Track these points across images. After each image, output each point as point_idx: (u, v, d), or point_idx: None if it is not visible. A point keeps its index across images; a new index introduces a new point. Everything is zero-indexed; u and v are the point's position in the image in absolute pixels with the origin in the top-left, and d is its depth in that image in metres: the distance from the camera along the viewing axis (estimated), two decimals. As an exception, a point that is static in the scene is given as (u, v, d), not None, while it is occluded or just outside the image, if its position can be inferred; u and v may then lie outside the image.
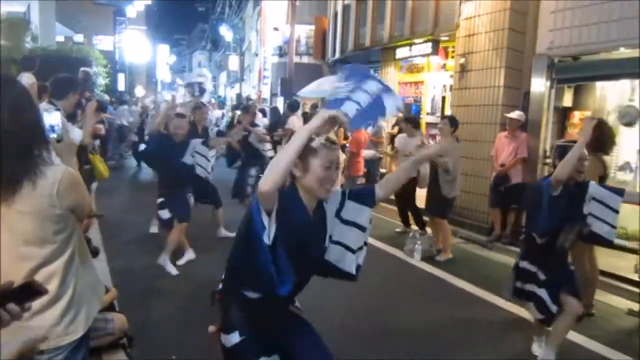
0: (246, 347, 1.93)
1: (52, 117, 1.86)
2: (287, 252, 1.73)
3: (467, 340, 3.79)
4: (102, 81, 14.18)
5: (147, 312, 4.00)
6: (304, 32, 18.69)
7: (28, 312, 1.14)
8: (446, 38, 9.02)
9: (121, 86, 22.82)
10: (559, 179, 3.06)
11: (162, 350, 3.41)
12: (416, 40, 9.81)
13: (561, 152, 3.20)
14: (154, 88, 40.74)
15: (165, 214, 4.91)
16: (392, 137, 9.24)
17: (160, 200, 4.94)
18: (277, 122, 11.54)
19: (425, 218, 6.44)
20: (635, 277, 4.94)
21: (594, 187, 3.25)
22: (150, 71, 40.71)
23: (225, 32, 35.29)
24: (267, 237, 1.69)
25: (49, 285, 1.65)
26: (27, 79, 6.22)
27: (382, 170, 9.82)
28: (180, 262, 5.01)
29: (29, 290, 1.15)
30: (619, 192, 3.27)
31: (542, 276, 3.25)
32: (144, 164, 10.88)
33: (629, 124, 5.93)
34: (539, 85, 6.23)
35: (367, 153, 8.54)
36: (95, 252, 3.04)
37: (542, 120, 6.23)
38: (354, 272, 2.10)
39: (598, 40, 5.50)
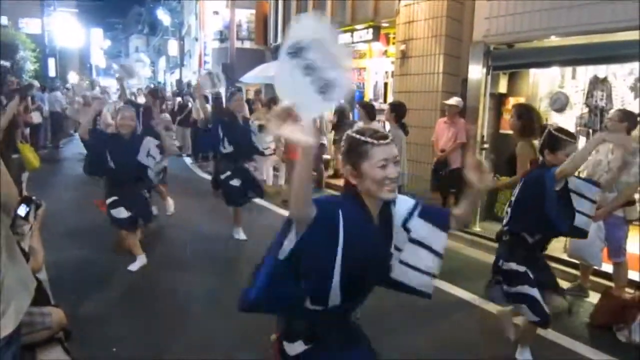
0: (309, 356, 1.80)
1: None
2: (345, 268, 1.59)
3: (402, 323, 3.86)
4: (30, 66, 13.37)
5: (84, 306, 3.87)
6: (245, 16, 18.30)
7: None
8: (387, 24, 9.07)
9: (52, 72, 21.53)
10: (567, 173, 2.88)
11: (100, 344, 3.31)
12: (357, 27, 9.83)
13: (553, 142, 3.05)
14: (88, 74, 38.73)
15: (120, 212, 4.48)
16: (333, 126, 9.25)
17: (112, 199, 4.51)
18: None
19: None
20: (565, 256, 5.20)
21: (571, 179, 3.07)
22: (83, 56, 38.64)
23: (163, 15, 33.98)
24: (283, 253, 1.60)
25: None
26: None
27: (326, 157, 9.82)
28: (133, 267, 4.64)
29: None
30: (595, 182, 3.19)
31: (531, 275, 3.05)
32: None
33: (560, 109, 6.21)
34: (476, 72, 6.38)
35: None
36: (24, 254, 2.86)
37: (480, 106, 6.40)
38: (429, 291, 1.91)
39: (531, 29, 5.70)
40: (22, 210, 2.68)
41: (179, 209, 6.79)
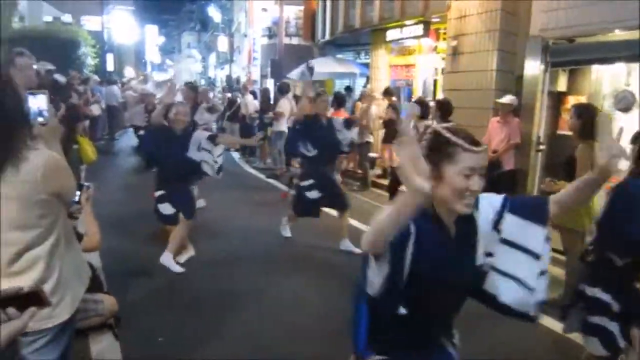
0: None
1: (38, 101, 1.82)
2: (417, 290, 1.43)
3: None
4: (91, 61, 13.96)
5: (134, 294, 3.98)
6: (293, 12, 18.34)
7: (31, 319, 1.13)
8: (437, 20, 8.82)
9: (110, 66, 22.42)
10: None
11: (148, 332, 3.38)
12: (407, 22, 9.61)
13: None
14: (143, 69, 40.14)
15: (166, 208, 4.48)
16: (385, 123, 9.08)
17: (159, 193, 4.49)
18: (268, 104, 11.36)
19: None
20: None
21: None
22: (139, 52, 40.05)
23: (214, 12, 34.74)
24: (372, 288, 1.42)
25: (34, 268, 1.69)
26: (24, 61, 6.02)
27: (373, 155, 9.69)
28: (181, 259, 4.68)
29: (35, 298, 1.14)
30: None
31: (616, 307, 2.49)
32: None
33: (625, 109, 5.80)
34: (532, 68, 6.09)
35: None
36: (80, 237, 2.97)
37: (536, 104, 6.10)
38: (531, 311, 1.60)
39: (594, 22, 5.36)
40: (75, 197, 2.83)
41: (226, 202, 6.87)
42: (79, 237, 2.84)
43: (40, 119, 1.81)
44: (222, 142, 4.77)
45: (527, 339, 3.66)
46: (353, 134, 5.37)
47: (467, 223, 1.57)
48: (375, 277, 1.39)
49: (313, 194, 5.12)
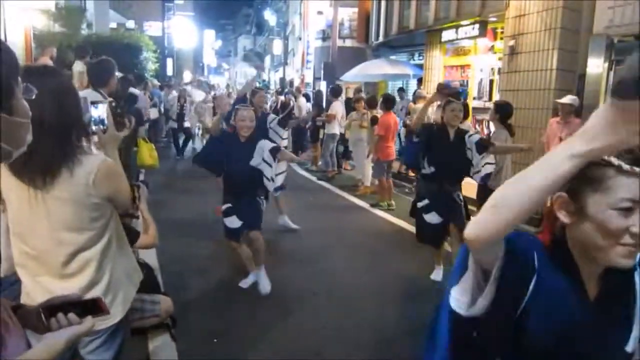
0: None
1: (98, 110, 1.88)
2: None
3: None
4: (151, 66, 14.52)
5: (190, 295, 4.08)
6: (347, 15, 18.39)
7: (89, 328, 1.15)
8: (494, 19, 8.61)
9: (169, 71, 23.32)
10: None
11: (204, 333, 3.47)
12: (463, 22, 9.43)
13: None
14: (200, 72, 41.48)
15: (233, 222, 4.10)
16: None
17: (226, 206, 4.14)
18: (320, 107, 11.48)
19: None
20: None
21: None
22: (197, 56, 41.42)
23: (270, 16, 35.35)
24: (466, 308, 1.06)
25: (86, 270, 1.73)
26: (79, 67, 6.42)
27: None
28: (244, 284, 4.29)
29: (93, 306, 1.18)
30: None
31: None
32: (187, 154, 10.99)
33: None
34: (595, 67, 5.85)
35: None
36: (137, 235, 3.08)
37: (599, 104, 5.84)
38: None
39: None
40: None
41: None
42: (137, 235, 2.96)
43: (100, 127, 1.87)
44: (282, 158, 4.26)
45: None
46: (488, 160, 4.42)
47: (621, 284, 1.09)
48: (464, 293, 1.07)
49: (432, 217, 4.33)
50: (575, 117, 5.85)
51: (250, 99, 5.84)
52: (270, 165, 3.94)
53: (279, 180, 4.23)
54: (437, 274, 4.59)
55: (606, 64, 5.76)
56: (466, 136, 4.24)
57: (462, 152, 4.17)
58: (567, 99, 5.83)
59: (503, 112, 5.34)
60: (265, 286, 4.17)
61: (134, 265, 2.04)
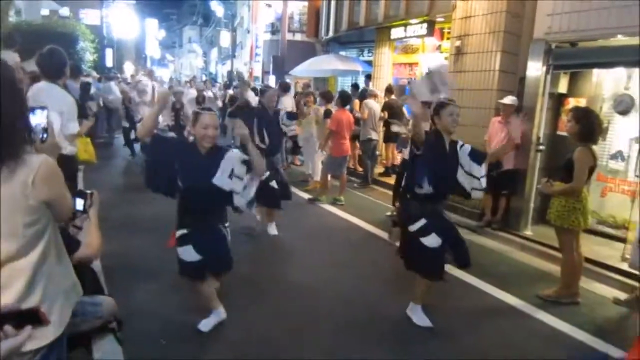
0: None
1: (36, 117, 1.73)
2: None
3: (450, 326, 3.79)
4: (89, 57, 13.87)
5: (135, 296, 3.96)
6: (297, 8, 18.37)
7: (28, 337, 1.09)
8: (442, 19, 8.88)
9: (109, 62, 22.35)
10: None
11: (150, 334, 3.39)
12: (411, 21, 9.67)
13: None
14: (143, 64, 40.06)
15: (188, 253, 3.23)
16: (385, 122, 9.16)
17: (181, 232, 3.28)
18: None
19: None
20: (621, 265, 4.97)
21: None
22: (139, 47, 39.92)
23: (217, 7, 34.65)
24: None
25: (14, 284, 1.55)
26: (11, 57, 6.01)
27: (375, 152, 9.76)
28: (204, 326, 3.47)
29: (33, 317, 1.12)
30: None
31: None
32: (140, 156, 9.82)
33: (624, 112, 5.90)
34: (535, 70, 6.15)
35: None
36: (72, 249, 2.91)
37: (537, 106, 6.17)
38: None
39: (596, 27, 5.41)
40: (79, 205, 2.76)
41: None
42: (77, 245, 2.82)
43: (38, 136, 1.71)
44: (258, 167, 3.30)
45: (523, 333, 3.75)
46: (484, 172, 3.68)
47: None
48: None
49: (431, 241, 3.55)
50: (516, 116, 6.15)
51: (260, 99, 5.84)
52: (242, 179, 3.20)
53: (251, 192, 3.30)
54: (420, 317, 3.77)
55: (544, 68, 6.07)
56: (458, 146, 3.66)
57: (456, 165, 3.61)
58: (508, 99, 6.12)
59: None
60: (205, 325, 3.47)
61: (73, 281, 1.87)
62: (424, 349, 3.46)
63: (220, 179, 3.13)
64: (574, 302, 4.31)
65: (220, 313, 3.51)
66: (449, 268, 3.94)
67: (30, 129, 1.62)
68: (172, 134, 6.15)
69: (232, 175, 3.15)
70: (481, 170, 3.61)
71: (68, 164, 3.85)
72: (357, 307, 4.04)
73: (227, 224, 3.43)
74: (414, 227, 3.58)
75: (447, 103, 3.58)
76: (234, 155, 3.19)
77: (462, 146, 3.66)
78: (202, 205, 3.24)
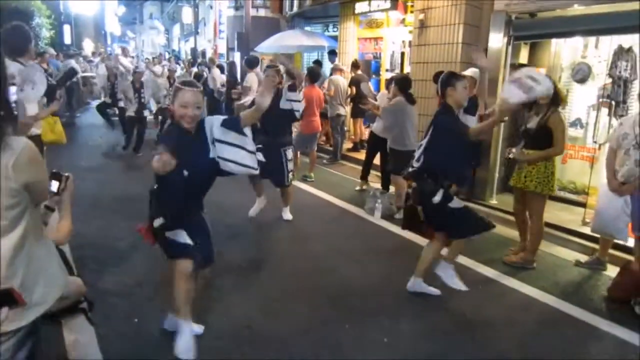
0: None
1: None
2: None
3: (417, 296, 3.90)
4: (46, 33, 13.33)
5: (106, 277, 3.94)
6: (261, -17, 17.95)
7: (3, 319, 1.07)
8: (405, -8, 8.86)
9: (67, 39, 21.53)
10: None
11: (123, 315, 3.39)
12: (375, -6, 9.60)
13: None
14: (103, 41, 38.66)
15: (181, 236, 2.89)
16: (352, 98, 9.17)
17: (159, 222, 2.86)
18: (235, 78, 11.23)
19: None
20: (582, 229, 5.19)
21: None
22: (98, 23, 38.45)
23: (177, -19, 33.52)
24: None
25: None
26: None
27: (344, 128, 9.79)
28: (180, 342, 2.90)
29: (8, 298, 1.10)
30: None
31: None
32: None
33: (582, 80, 6.07)
34: (496, 42, 6.24)
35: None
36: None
37: (499, 77, 6.27)
38: None
39: (555, -3, 5.53)
40: (54, 187, 2.74)
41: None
42: (44, 225, 2.78)
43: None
44: (247, 123, 2.90)
45: (490, 298, 3.89)
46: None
47: None
48: None
49: (457, 203, 3.68)
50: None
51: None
52: (237, 145, 2.86)
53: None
54: (452, 277, 3.84)
55: (505, 39, 6.17)
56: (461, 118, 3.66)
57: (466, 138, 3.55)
58: (469, 71, 6.19)
59: (401, 84, 5.79)
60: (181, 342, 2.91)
61: (57, 262, 1.89)
62: (392, 320, 3.57)
63: (215, 152, 2.83)
64: (533, 267, 4.50)
65: (191, 327, 2.98)
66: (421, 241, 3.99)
67: (10, 107, 1.62)
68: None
69: (215, 141, 2.83)
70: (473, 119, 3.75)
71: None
72: (331, 280, 4.12)
73: (205, 210, 3.10)
74: (437, 198, 3.55)
75: (461, 75, 3.55)
76: (209, 120, 2.87)
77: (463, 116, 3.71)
78: (195, 190, 2.90)
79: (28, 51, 3.77)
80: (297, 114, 5.33)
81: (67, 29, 21.75)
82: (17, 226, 1.62)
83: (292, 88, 5.25)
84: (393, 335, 3.29)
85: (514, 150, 4.66)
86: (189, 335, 2.90)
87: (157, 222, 2.85)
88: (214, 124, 2.85)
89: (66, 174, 2.49)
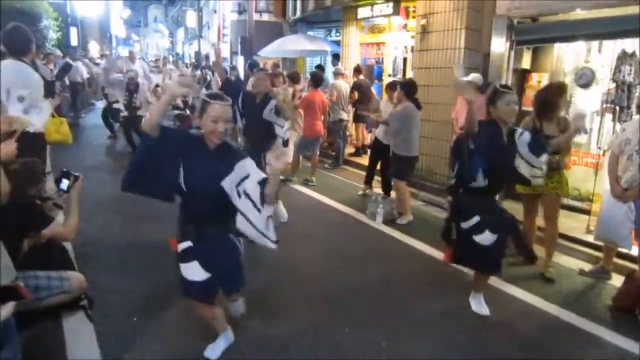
0: None
1: None
2: None
3: (418, 295, 3.91)
4: (53, 35, 13.41)
5: (106, 275, 3.94)
6: (264, -12, 18.05)
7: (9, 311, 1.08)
8: (408, -3, 8.87)
9: (74, 41, 21.64)
10: None
11: (121, 312, 3.40)
12: (378, 0, 9.62)
13: None
14: (109, 44, 38.87)
15: (193, 271, 2.67)
16: (354, 102, 9.17)
17: (185, 245, 2.69)
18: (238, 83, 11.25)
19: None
20: (586, 237, 5.12)
21: None
22: (103, 26, 38.68)
23: (182, -15, 33.71)
24: None
25: None
26: None
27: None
28: (212, 353, 2.92)
29: (13, 292, 1.12)
30: None
31: None
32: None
33: (585, 85, 6.05)
34: (498, 46, 6.25)
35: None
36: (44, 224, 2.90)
37: (502, 82, 6.27)
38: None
39: (556, 1, 5.52)
40: (64, 185, 2.81)
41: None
42: (48, 220, 2.81)
43: None
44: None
45: (493, 307, 3.85)
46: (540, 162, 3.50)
47: None
48: None
49: (485, 238, 3.40)
50: (480, 94, 6.24)
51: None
52: (255, 206, 2.56)
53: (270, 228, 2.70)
54: (479, 304, 3.71)
55: (508, 44, 6.17)
56: (516, 136, 3.43)
57: (514, 155, 3.43)
58: (470, 76, 6.19)
59: (407, 89, 5.77)
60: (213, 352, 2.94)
61: (5, 264, 1.79)
62: (392, 325, 3.55)
63: (230, 185, 2.55)
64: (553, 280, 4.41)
65: (228, 335, 3.02)
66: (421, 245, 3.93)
67: None
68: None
69: (241, 186, 2.55)
70: (539, 160, 3.46)
71: (33, 142, 3.89)
72: (331, 283, 4.10)
73: (234, 233, 2.77)
74: (466, 225, 3.42)
75: (504, 91, 3.33)
76: (249, 165, 2.62)
77: (521, 134, 3.45)
78: (209, 211, 2.65)
79: (30, 51, 3.88)
80: (280, 140, 5.10)
81: (73, 31, 21.85)
82: None
83: (277, 113, 4.96)
84: (392, 338, 3.27)
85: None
86: (223, 342, 2.97)
87: (180, 246, 2.71)
88: (252, 174, 2.58)
89: (75, 174, 2.52)
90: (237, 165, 2.57)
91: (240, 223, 2.56)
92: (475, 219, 3.39)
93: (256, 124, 4.86)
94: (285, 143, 6.02)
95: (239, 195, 2.54)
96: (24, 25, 4.09)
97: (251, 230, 2.57)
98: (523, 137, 3.43)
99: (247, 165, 2.60)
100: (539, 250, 4.55)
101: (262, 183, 2.56)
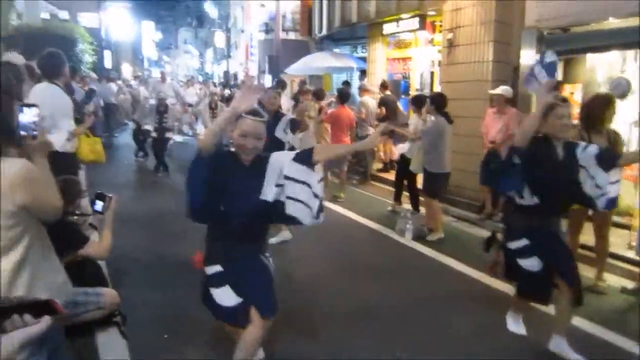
0: None
1: (25, 115, 1.71)
2: None
3: (450, 313, 3.82)
4: (88, 58, 13.93)
5: (139, 291, 3.98)
6: (290, 7, 18.33)
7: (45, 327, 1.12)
8: (433, 12, 8.86)
9: (108, 63, 22.44)
10: None
11: (153, 328, 3.43)
12: (403, 16, 9.64)
13: None
14: (140, 65, 40.07)
15: (226, 297, 2.56)
16: (382, 117, 9.14)
17: (214, 270, 2.59)
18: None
19: (421, 198, 6.41)
20: (628, 253, 4.90)
21: None
22: (136, 48, 39.97)
23: (210, 8, 34.64)
24: None
25: None
26: (18, 58, 6.08)
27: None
28: None
29: (50, 308, 1.16)
30: None
31: None
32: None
33: (621, 95, 5.85)
34: (528, 58, 6.14)
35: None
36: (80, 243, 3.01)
37: (532, 94, 6.14)
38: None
39: (587, 11, 5.40)
40: (98, 206, 2.90)
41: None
42: (85, 240, 2.88)
43: (29, 133, 1.71)
44: (320, 159, 2.57)
45: (534, 327, 3.71)
46: (615, 178, 3.09)
47: None
48: None
49: (533, 264, 3.12)
50: (511, 107, 6.13)
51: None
52: (303, 182, 2.50)
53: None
54: (516, 323, 3.51)
55: (538, 56, 6.04)
56: (578, 150, 3.11)
57: (573, 173, 3.10)
58: (499, 89, 6.08)
59: (437, 102, 5.69)
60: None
61: (62, 280, 1.88)
62: (422, 342, 3.46)
63: (268, 192, 2.50)
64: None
65: (259, 355, 2.89)
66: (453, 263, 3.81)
67: (9, 130, 1.62)
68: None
69: (280, 179, 2.50)
70: (607, 178, 3.03)
71: (65, 161, 4.01)
72: (360, 301, 4.04)
73: (267, 254, 2.73)
74: (512, 246, 3.18)
75: (555, 104, 3.05)
76: (278, 157, 2.58)
77: (585, 148, 3.12)
78: (243, 230, 2.55)
79: (63, 74, 4.08)
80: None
81: (107, 54, 22.69)
82: (17, 245, 1.61)
83: (295, 125, 5.00)
84: (423, 357, 3.20)
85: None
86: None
87: (210, 270, 2.60)
88: (285, 162, 2.52)
89: (110, 195, 2.58)
90: (268, 169, 2.52)
91: (290, 208, 2.51)
92: (523, 241, 3.12)
93: (266, 142, 4.95)
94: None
95: (283, 187, 2.50)
96: (60, 50, 4.29)
97: (301, 210, 2.50)
98: (588, 150, 3.10)
99: (274, 160, 2.55)
100: (582, 269, 4.37)
101: (298, 157, 2.52)
